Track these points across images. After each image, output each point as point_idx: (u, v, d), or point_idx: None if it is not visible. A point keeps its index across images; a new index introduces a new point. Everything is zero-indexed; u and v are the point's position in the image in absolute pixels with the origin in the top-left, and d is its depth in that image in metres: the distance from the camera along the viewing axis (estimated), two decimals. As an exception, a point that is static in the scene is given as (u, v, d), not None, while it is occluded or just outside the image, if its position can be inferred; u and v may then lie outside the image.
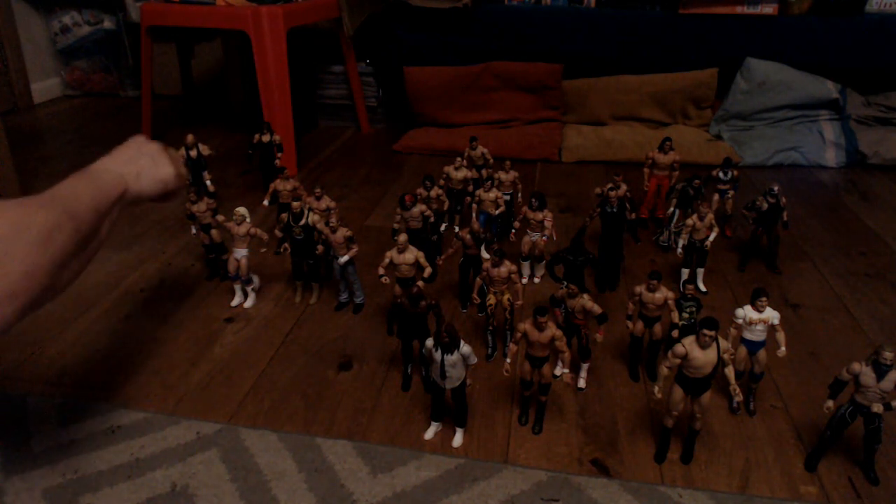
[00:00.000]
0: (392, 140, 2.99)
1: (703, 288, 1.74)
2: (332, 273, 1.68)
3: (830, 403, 1.12)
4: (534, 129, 2.96)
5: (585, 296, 1.31)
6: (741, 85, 2.88)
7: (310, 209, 1.65)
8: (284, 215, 1.62)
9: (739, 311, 1.25)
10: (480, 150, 2.13)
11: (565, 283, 1.43)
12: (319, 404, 1.34)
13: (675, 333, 1.32)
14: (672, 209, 1.93)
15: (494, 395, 1.36)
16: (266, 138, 2.17)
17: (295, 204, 1.59)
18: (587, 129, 2.99)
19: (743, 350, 1.28)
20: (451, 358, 1.13)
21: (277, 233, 1.63)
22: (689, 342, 1.09)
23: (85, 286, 1.79)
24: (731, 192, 1.95)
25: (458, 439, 1.23)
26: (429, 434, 1.25)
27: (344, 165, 2.74)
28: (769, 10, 2.85)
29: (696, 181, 1.86)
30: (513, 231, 1.79)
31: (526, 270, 1.78)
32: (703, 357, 1.08)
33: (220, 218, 1.73)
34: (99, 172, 1.14)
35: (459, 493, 1.11)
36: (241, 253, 1.63)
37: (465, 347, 1.14)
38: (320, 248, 1.62)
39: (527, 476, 1.15)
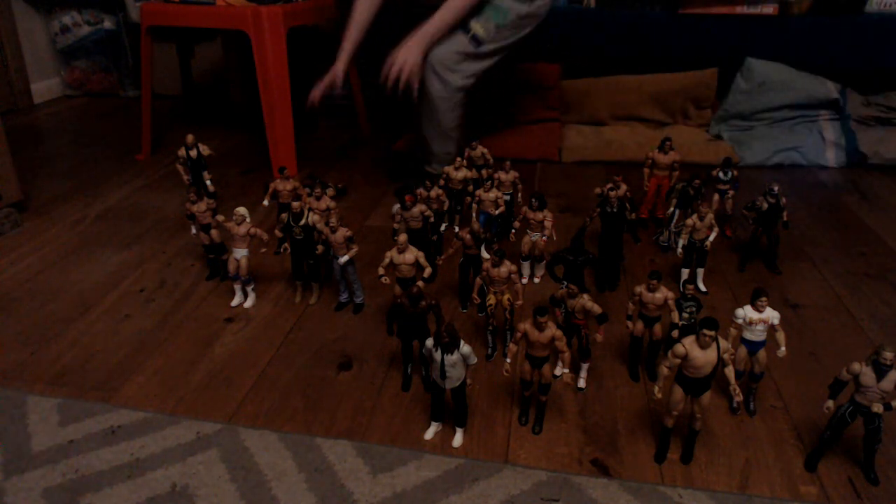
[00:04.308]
0: (392, 140, 2.99)
1: (703, 288, 1.74)
2: (332, 273, 1.68)
3: (830, 403, 1.12)
4: (534, 129, 2.96)
5: (585, 296, 1.31)
6: (741, 85, 2.88)
7: (310, 209, 1.65)
8: (284, 215, 1.62)
9: (739, 311, 1.25)
10: (480, 150, 2.13)
11: (565, 283, 1.43)
12: (319, 404, 1.34)
13: (675, 333, 1.32)
14: (672, 209, 1.93)
15: (494, 395, 1.36)
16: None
17: (295, 204, 1.59)
18: (587, 129, 2.99)
19: (743, 350, 1.28)
20: (451, 358, 1.13)
21: (277, 233, 1.63)
22: (689, 342, 1.09)
23: (85, 286, 1.79)
24: (731, 192, 1.95)
25: (458, 439, 1.23)
26: (429, 434, 1.25)
27: (344, 165, 2.74)
28: (769, 10, 2.85)
29: (696, 181, 1.86)
30: (513, 231, 1.79)
31: (526, 270, 1.78)
32: (703, 357, 1.08)
33: (220, 218, 1.73)
34: None
35: (459, 493, 1.11)
36: (240, 253, 1.63)
37: (465, 347, 1.14)
38: (320, 248, 1.62)
39: (527, 476, 1.15)
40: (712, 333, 1.06)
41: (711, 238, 1.66)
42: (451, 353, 1.13)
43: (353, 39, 2.02)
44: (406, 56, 1.84)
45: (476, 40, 1.95)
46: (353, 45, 2.02)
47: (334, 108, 3.29)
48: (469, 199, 1.91)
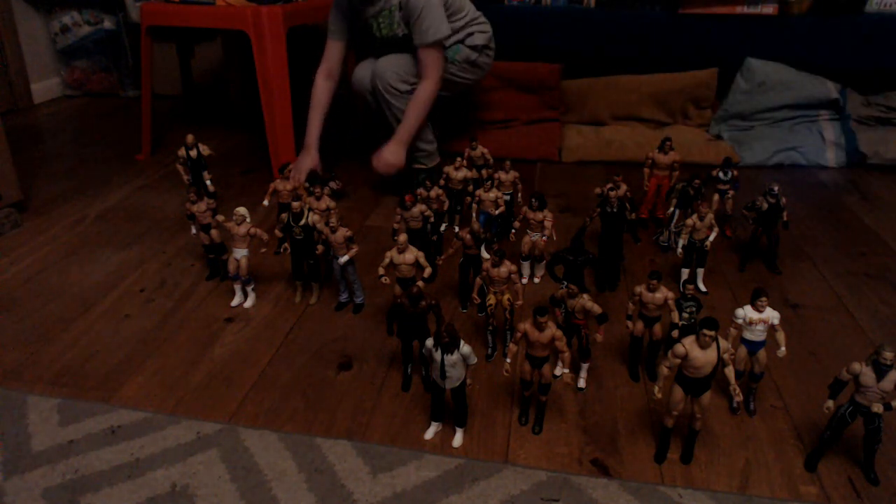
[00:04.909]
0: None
1: (703, 288, 1.74)
2: (332, 273, 1.68)
3: (830, 403, 1.12)
4: (534, 129, 2.96)
5: (585, 296, 1.31)
6: (741, 85, 2.88)
7: (310, 209, 1.65)
8: (284, 215, 1.62)
9: (739, 311, 1.25)
10: (480, 150, 2.13)
11: (565, 283, 1.43)
12: (319, 404, 1.34)
13: (675, 333, 1.32)
14: (672, 209, 1.93)
15: (494, 395, 1.36)
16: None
17: (295, 204, 1.59)
18: (587, 129, 2.99)
19: (743, 350, 1.28)
20: (451, 358, 1.13)
21: (277, 233, 1.63)
22: (689, 342, 1.09)
23: (85, 286, 1.79)
24: (731, 192, 1.95)
25: (458, 439, 1.23)
26: (429, 434, 1.25)
27: (344, 165, 2.74)
28: (769, 10, 2.85)
29: (696, 181, 1.86)
30: (513, 231, 1.79)
31: (526, 270, 1.78)
32: (703, 357, 1.08)
33: (220, 218, 1.73)
34: None
35: (459, 493, 1.11)
36: (240, 253, 1.63)
37: (465, 347, 1.14)
38: (320, 248, 1.62)
39: (527, 476, 1.15)
40: (712, 333, 1.06)
41: (711, 238, 1.66)
42: (451, 353, 1.13)
43: (318, 127, 2.40)
44: (396, 159, 2.23)
45: None
46: (318, 133, 2.40)
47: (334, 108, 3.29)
48: (469, 199, 1.91)
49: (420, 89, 2.23)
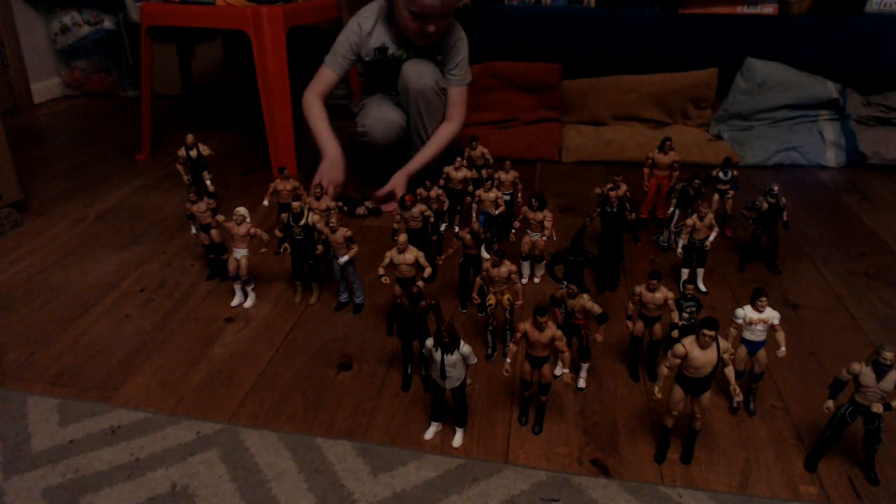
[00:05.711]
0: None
1: (703, 288, 1.74)
2: (332, 273, 1.68)
3: (830, 403, 1.12)
4: (534, 129, 2.96)
5: (585, 296, 1.31)
6: (741, 85, 2.88)
7: (310, 209, 1.65)
8: (284, 215, 1.62)
9: (739, 311, 1.25)
10: (480, 150, 2.13)
11: (565, 283, 1.43)
12: (319, 404, 1.34)
13: (675, 333, 1.32)
14: (672, 209, 1.93)
15: (494, 395, 1.36)
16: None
17: (295, 204, 1.59)
18: (587, 129, 2.99)
19: (743, 350, 1.28)
20: (451, 358, 1.13)
21: (277, 233, 1.63)
22: (689, 342, 1.09)
23: (85, 286, 1.79)
24: (731, 192, 1.95)
25: (458, 439, 1.23)
26: (429, 434, 1.25)
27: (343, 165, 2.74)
28: (769, 10, 2.85)
29: (696, 181, 1.86)
30: (513, 231, 1.79)
31: (526, 270, 1.78)
32: (703, 357, 1.08)
33: (220, 218, 1.73)
34: None
35: (459, 493, 1.11)
36: (240, 253, 1.63)
37: (465, 347, 1.14)
38: (320, 248, 1.62)
39: (527, 476, 1.15)
40: (712, 333, 1.06)
41: (711, 238, 1.66)
42: (451, 353, 1.13)
43: (330, 130, 2.27)
44: (400, 187, 2.20)
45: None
46: (334, 137, 2.26)
47: (334, 108, 3.29)
48: (469, 199, 1.91)
49: (446, 129, 2.27)
